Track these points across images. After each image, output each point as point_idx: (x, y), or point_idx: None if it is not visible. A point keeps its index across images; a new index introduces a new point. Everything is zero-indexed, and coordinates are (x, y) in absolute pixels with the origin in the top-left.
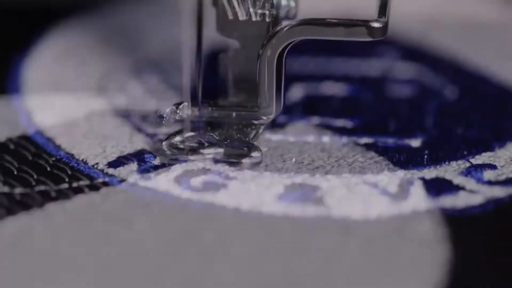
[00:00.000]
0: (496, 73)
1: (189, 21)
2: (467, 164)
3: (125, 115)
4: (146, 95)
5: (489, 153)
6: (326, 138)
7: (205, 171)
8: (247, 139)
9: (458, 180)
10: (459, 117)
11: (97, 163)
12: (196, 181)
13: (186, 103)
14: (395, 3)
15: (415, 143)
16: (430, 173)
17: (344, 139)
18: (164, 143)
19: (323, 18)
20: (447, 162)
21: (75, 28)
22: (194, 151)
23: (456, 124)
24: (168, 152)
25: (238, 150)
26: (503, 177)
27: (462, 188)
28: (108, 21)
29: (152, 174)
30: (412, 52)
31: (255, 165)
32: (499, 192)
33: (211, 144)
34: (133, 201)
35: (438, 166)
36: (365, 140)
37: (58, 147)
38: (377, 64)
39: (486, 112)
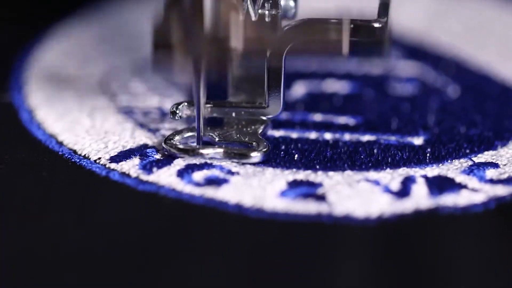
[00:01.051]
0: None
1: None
2: (470, 163)
3: (127, 111)
4: (149, 93)
5: (491, 152)
6: (329, 135)
7: (207, 165)
8: (247, 139)
9: (460, 178)
10: (461, 115)
11: (99, 158)
12: (198, 175)
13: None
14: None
15: (418, 141)
16: (432, 171)
17: (347, 136)
18: (163, 143)
19: (323, 18)
20: (449, 161)
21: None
22: (194, 151)
23: (459, 123)
24: (168, 151)
25: (243, 148)
26: (505, 176)
27: (465, 187)
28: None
29: (154, 169)
30: (414, 51)
31: (263, 158)
32: (501, 190)
33: (212, 144)
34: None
35: (440, 165)
36: (367, 137)
37: (61, 143)
38: (380, 62)
39: (489, 110)
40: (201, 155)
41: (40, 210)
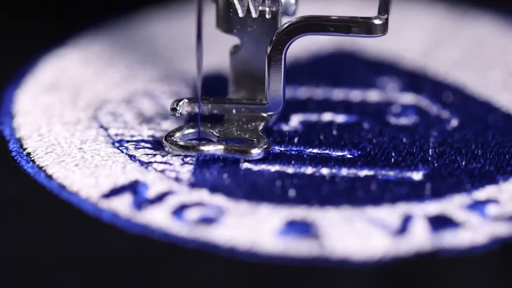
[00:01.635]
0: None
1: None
2: (471, 199)
3: (119, 143)
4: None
5: (493, 188)
6: (326, 170)
7: (200, 204)
8: (247, 135)
9: (461, 215)
10: (462, 147)
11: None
12: (191, 214)
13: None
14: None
15: (417, 176)
16: (433, 207)
17: (344, 171)
18: (164, 140)
19: (324, 15)
20: (450, 196)
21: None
22: (194, 148)
23: (459, 156)
24: (168, 149)
25: (244, 144)
26: (508, 213)
27: (466, 224)
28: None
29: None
30: (413, 79)
31: (264, 155)
32: (504, 229)
33: (212, 141)
34: None
35: (441, 200)
36: (365, 172)
37: (50, 177)
38: (378, 92)
39: (490, 141)
40: (202, 151)
41: (28, 246)
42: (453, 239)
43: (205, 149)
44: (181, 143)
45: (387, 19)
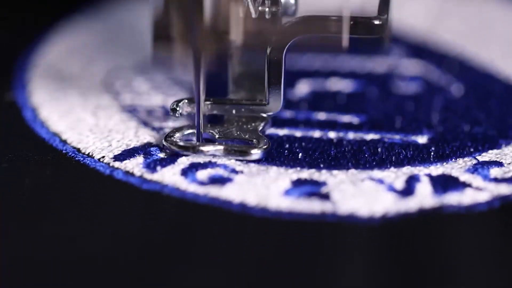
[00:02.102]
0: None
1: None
2: (474, 161)
3: (131, 110)
4: (152, 91)
5: (495, 151)
6: (333, 134)
7: (211, 164)
8: (247, 136)
9: (464, 177)
10: (465, 114)
11: (103, 157)
12: (202, 174)
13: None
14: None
15: (422, 139)
16: (437, 170)
17: (351, 135)
18: (163, 140)
19: (323, 15)
20: (453, 159)
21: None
22: (194, 148)
23: (463, 121)
24: (168, 149)
25: (243, 145)
26: (509, 175)
27: (469, 185)
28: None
29: (158, 167)
30: (418, 49)
31: (264, 155)
32: (505, 189)
33: (212, 141)
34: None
35: (444, 163)
36: (371, 136)
37: (65, 142)
38: (383, 61)
39: (493, 109)
40: (201, 152)
41: (44, 208)
42: (456, 198)
43: (205, 149)
44: (181, 143)
45: (387, 19)
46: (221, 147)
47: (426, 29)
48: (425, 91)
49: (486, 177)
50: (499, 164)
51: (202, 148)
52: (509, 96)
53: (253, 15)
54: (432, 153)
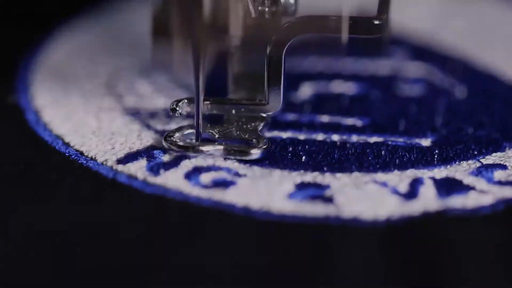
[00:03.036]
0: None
1: None
2: (478, 164)
3: (134, 112)
4: (155, 94)
5: (499, 153)
6: (336, 137)
7: (215, 167)
8: (247, 136)
9: (468, 180)
10: (468, 116)
11: (106, 160)
12: (206, 178)
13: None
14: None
15: (425, 142)
16: (440, 173)
17: (354, 138)
18: (163, 140)
19: (323, 14)
20: (457, 162)
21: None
22: (193, 148)
23: (466, 124)
24: (168, 148)
25: (243, 145)
26: None
27: (473, 188)
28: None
29: (161, 170)
30: (421, 52)
31: (263, 155)
32: (509, 192)
33: (212, 141)
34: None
35: (448, 166)
36: (375, 139)
37: (67, 145)
38: (387, 63)
39: (496, 111)
40: (201, 152)
41: (47, 211)
42: (460, 201)
43: (205, 149)
44: (181, 143)
45: (386, 19)
46: (221, 147)
47: (429, 31)
48: (429, 93)
49: (490, 180)
50: (503, 167)
51: (201, 148)
52: None
53: (253, 15)
54: (436, 156)
